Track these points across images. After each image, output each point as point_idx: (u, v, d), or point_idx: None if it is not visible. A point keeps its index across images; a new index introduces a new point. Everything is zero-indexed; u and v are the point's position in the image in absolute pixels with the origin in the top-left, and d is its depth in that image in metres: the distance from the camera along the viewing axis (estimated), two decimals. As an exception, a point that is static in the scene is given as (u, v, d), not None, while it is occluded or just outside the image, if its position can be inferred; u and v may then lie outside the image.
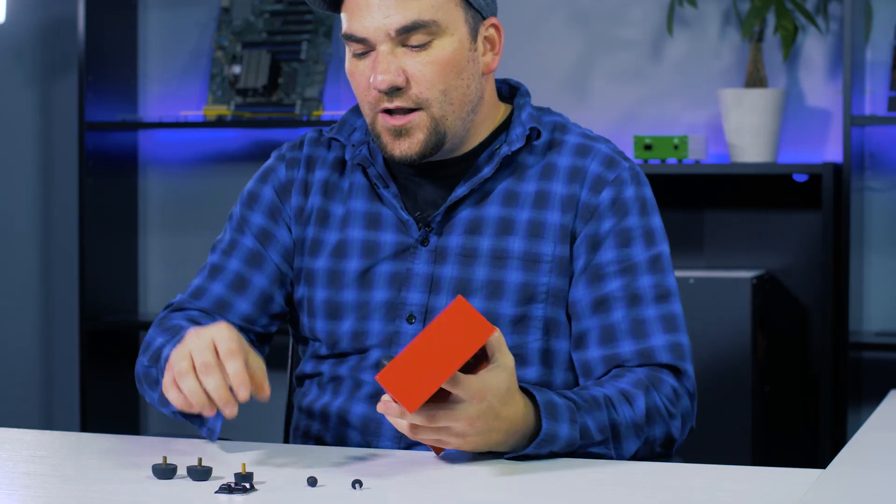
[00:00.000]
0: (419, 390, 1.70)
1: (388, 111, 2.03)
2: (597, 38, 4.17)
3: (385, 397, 1.79)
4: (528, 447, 1.84)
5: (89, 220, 4.36)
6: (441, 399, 1.77)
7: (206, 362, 1.83)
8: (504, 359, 1.81)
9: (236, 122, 4.32)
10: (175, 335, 2.03)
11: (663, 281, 2.07)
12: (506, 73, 3.20)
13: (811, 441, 3.93)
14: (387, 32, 2.00)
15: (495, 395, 1.79)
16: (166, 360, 1.96)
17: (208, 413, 1.84)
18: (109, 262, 4.46)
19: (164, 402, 2.00)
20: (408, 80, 2.02)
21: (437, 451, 1.87)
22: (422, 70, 2.02)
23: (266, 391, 1.84)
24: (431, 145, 2.04)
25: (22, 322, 4.73)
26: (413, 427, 1.79)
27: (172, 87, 4.54)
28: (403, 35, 2.01)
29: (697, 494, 1.69)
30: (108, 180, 4.44)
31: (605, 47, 4.17)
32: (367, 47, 2.03)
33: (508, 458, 1.86)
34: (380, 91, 2.01)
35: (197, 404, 1.83)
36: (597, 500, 1.65)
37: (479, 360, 1.81)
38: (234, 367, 1.82)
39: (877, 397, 3.84)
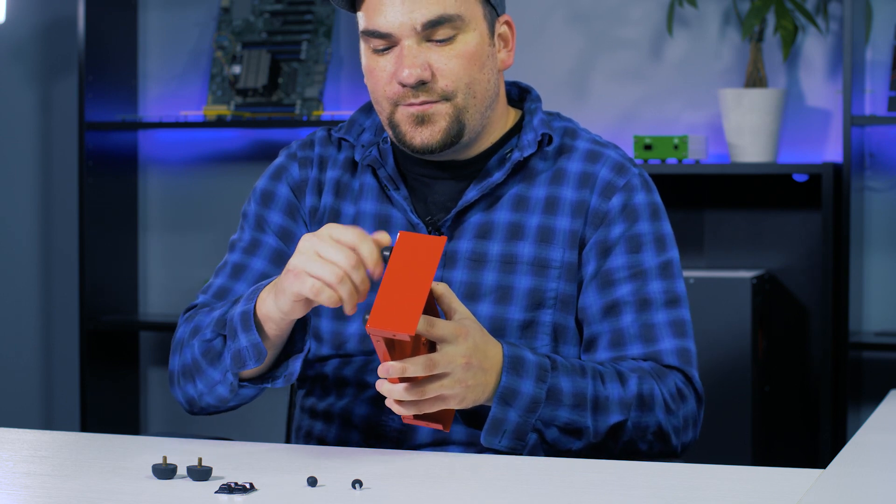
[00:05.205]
0: (409, 313, 1.75)
1: (411, 105, 2.03)
2: (597, 37, 4.17)
3: (379, 383, 1.82)
4: (492, 406, 1.88)
5: (89, 220, 4.35)
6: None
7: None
8: (462, 307, 1.87)
9: (236, 122, 4.32)
10: (229, 305, 1.97)
11: (673, 287, 2.07)
12: (506, 72, 3.19)
13: (811, 441, 3.93)
14: (412, 27, 2.00)
15: (477, 330, 1.85)
16: (242, 312, 1.91)
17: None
18: (109, 262, 4.46)
19: (240, 363, 1.92)
20: (433, 74, 2.01)
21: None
22: (447, 64, 2.02)
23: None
24: (453, 135, 2.04)
25: (22, 322, 4.73)
26: (418, 405, 1.82)
27: (172, 87, 4.54)
28: (429, 30, 2.00)
29: (697, 494, 1.69)
30: (108, 180, 4.44)
31: (605, 47, 4.17)
32: (389, 43, 2.02)
33: (485, 446, 1.89)
34: (406, 85, 2.01)
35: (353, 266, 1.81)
36: (597, 500, 1.65)
37: (433, 346, 1.85)
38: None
39: (877, 397, 3.84)
